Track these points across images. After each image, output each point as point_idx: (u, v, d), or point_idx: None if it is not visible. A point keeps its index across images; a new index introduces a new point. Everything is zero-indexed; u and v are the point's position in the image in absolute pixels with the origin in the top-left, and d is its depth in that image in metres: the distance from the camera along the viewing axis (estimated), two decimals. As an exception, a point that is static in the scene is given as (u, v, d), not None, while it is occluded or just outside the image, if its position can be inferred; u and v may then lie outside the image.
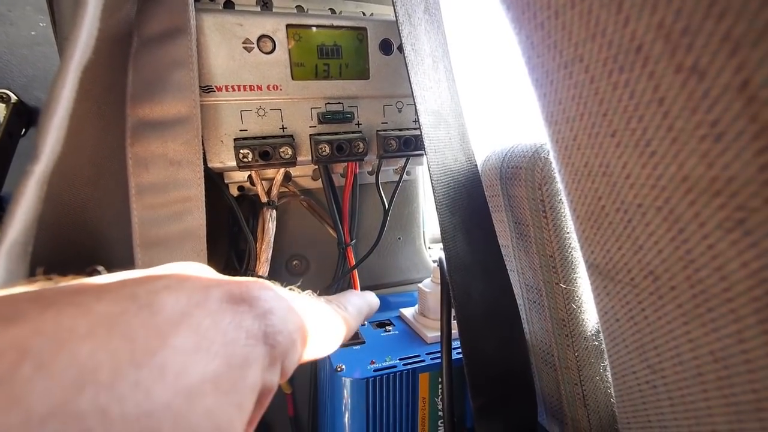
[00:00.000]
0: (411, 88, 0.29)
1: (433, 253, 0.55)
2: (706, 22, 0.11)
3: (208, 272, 0.13)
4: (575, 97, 0.17)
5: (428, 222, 0.54)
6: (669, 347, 0.17)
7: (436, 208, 0.30)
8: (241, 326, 0.11)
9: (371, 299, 0.22)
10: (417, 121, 0.30)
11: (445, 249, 0.31)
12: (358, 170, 0.40)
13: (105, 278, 0.10)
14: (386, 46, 0.36)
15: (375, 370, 0.32)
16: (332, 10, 0.38)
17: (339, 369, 0.33)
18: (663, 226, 0.15)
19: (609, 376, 0.28)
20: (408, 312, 0.42)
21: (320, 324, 0.15)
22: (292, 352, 0.12)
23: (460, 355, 0.31)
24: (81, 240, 0.26)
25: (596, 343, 0.36)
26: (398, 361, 0.34)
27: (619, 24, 0.13)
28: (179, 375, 0.08)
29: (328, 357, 0.35)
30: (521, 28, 0.19)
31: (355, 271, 0.42)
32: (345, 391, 0.32)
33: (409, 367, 0.33)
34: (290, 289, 0.16)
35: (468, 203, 0.33)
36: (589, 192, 0.19)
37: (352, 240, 0.42)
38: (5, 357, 0.07)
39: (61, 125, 0.21)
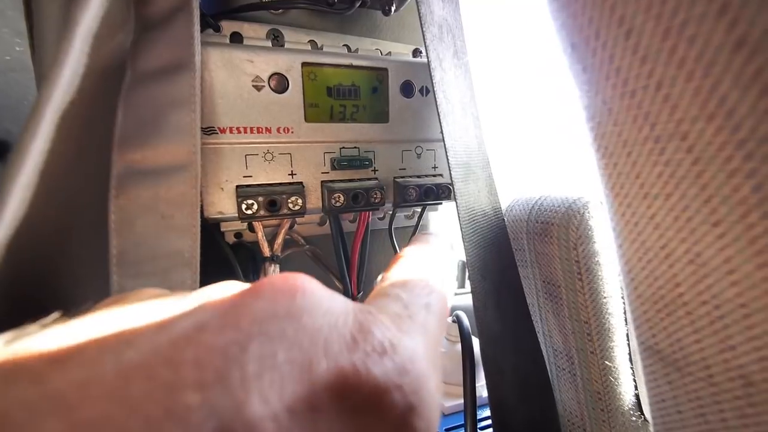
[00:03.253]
0: (443, 139, 0.26)
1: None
2: None
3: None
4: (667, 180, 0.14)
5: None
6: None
7: (469, 272, 0.27)
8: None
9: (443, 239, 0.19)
10: (449, 174, 0.26)
11: (477, 318, 0.27)
12: (370, 218, 0.37)
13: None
14: (407, 89, 0.33)
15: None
16: (348, 47, 0.36)
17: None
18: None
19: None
20: (421, 375, 0.38)
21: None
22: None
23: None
24: (44, 303, 0.21)
25: (634, 418, 0.33)
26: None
27: None
28: None
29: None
30: (597, 92, 0.16)
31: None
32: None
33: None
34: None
35: (498, 261, 0.29)
36: (661, 275, 0.16)
37: (359, 293, 0.38)
38: None
39: (28, 184, 0.17)
